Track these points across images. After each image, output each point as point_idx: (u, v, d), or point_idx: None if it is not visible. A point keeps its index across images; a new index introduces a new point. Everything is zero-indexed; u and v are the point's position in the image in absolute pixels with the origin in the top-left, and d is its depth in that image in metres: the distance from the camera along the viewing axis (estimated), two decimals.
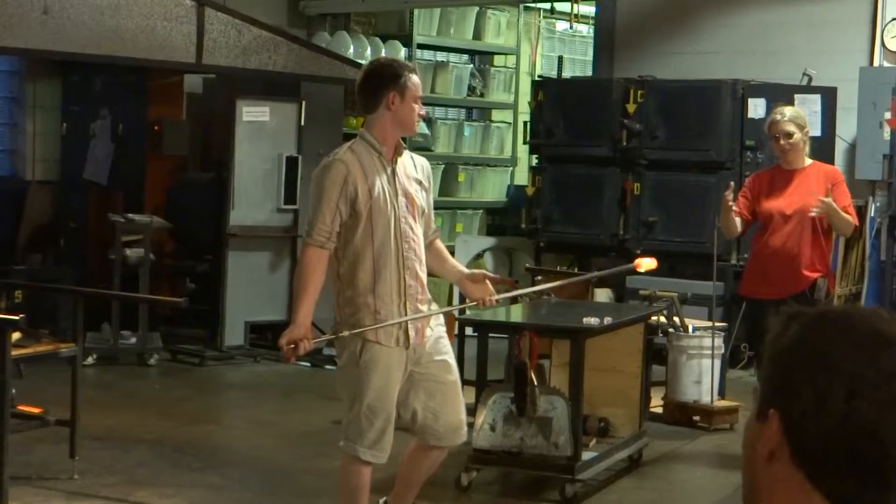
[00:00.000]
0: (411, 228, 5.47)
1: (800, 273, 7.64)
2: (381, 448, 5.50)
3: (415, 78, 5.47)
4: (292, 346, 5.32)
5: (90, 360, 10.15)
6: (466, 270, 5.77)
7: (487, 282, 5.63)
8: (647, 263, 6.04)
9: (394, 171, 5.46)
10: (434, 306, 5.63)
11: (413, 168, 5.58)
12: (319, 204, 5.36)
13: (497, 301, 5.77)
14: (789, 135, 7.62)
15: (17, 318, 6.60)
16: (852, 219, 7.65)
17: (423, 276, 5.55)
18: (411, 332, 5.47)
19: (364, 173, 5.37)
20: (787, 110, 7.80)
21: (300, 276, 5.43)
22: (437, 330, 5.61)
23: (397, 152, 5.50)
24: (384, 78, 5.46)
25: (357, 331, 5.37)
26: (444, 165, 14.04)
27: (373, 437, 5.46)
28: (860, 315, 1.68)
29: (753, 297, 7.81)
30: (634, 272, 6.73)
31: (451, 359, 5.67)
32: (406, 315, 5.42)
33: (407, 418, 5.63)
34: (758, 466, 1.71)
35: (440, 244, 5.79)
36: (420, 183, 5.56)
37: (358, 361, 5.41)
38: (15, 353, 6.65)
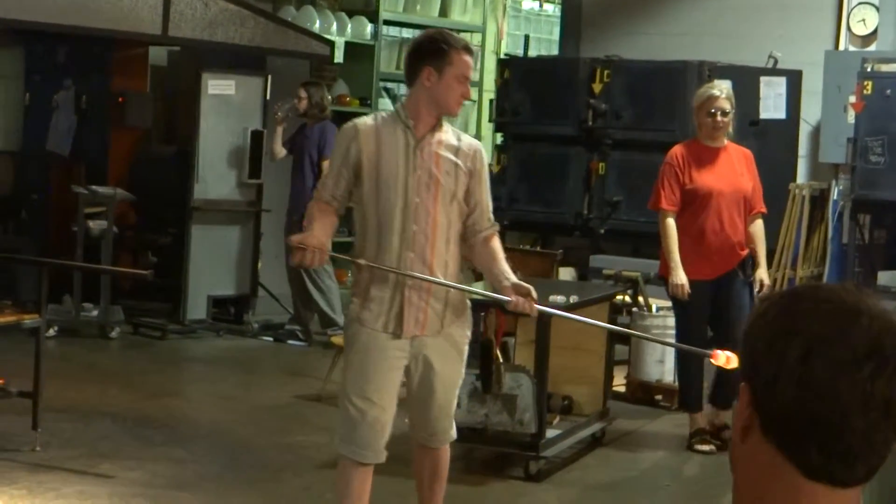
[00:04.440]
0: (427, 210, 5.03)
1: (735, 252, 7.62)
2: (357, 442, 5.03)
3: (462, 56, 5.04)
4: (302, 247, 4.94)
5: (51, 332, 10.06)
6: (513, 281, 5.14)
7: (531, 297, 5.06)
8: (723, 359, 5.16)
9: (419, 148, 5.06)
10: (450, 299, 5.12)
11: (454, 149, 5.11)
12: (330, 163, 5.24)
13: (534, 312, 5.23)
14: (726, 112, 7.53)
15: None
16: (761, 208, 7.69)
17: (440, 264, 5.08)
18: (408, 321, 5.04)
19: (377, 142, 5.03)
20: (724, 87, 7.67)
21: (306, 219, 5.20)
22: (453, 330, 5.16)
23: (434, 129, 5.10)
24: (423, 52, 5.10)
25: (374, 265, 5.01)
26: None
27: (348, 427, 5.05)
28: (827, 288, 1.67)
29: (689, 279, 7.53)
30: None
31: (457, 367, 5.20)
32: (400, 301, 5.03)
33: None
34: (734, 445, 1.70)
35: (495, 244, 5.25)
36: (457, 166, 5.09)
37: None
38: None
